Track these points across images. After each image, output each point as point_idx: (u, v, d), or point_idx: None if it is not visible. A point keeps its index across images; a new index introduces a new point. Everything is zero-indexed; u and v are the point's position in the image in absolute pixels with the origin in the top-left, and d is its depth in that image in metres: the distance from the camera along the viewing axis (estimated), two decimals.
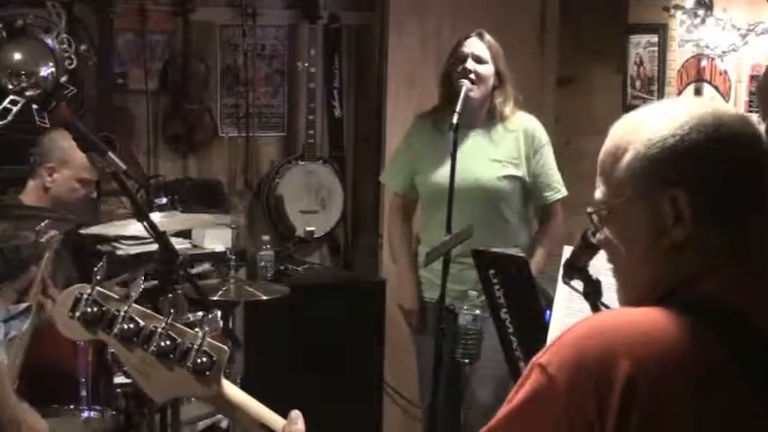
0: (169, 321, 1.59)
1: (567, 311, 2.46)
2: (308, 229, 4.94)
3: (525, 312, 2.73)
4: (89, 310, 1.59)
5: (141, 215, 3.00)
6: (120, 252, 4.30)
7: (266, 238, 4.76)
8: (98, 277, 1.61)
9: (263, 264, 4.68)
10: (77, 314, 1.59)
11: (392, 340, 4.80)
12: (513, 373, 2.72)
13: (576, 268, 2.04)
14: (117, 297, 1.61)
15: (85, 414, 3.24)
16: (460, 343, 3.58)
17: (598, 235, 1.46)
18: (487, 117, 3.88)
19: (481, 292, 3.08)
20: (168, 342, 1.57)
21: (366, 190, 5.12)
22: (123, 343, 1.58)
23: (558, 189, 3.93)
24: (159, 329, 1.58)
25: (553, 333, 2.46)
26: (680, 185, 1.34)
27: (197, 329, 1.60)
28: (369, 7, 5.01)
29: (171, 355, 1.57)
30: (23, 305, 2.99)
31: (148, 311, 1.61)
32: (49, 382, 3.17)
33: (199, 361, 1.57)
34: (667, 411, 1.26)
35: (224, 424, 3.66)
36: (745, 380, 1.30)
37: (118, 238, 4.31)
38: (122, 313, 1.59)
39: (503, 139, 3.89)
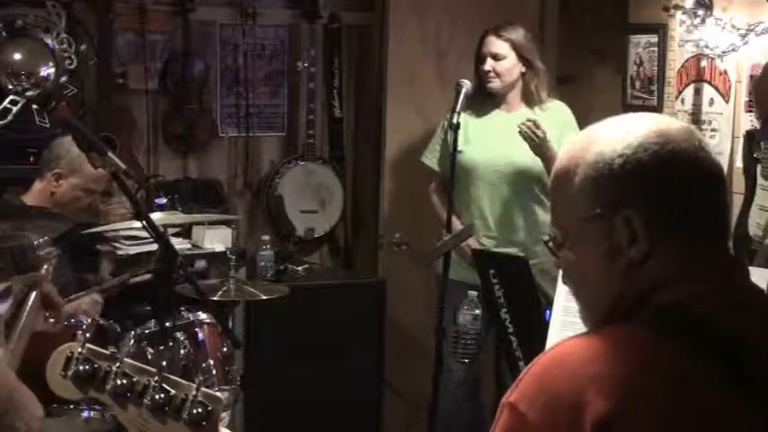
0: (162, 374, 1.57)
1: (567, 311, 2.46)
2: (308, 228, 4.94)
3: (525, 312, 2.73)
4: (81, 368, 1.58)
5: (141, 215, 3.00)
6: (120, 252, 4.30)
7: (266, 238, 4.76)
8: (87, 335, 1.61)
9: (263, 264, 4.68)
10: (69, 373, 1.58)
11: (392, 340, 4.80)
12: (512, 373, 2.72)
13: None
14: (108, 353, 1.59)
15: (85, 414, 3.24)
16: (460, 343, 3.58)
17: (555, 260, 1.46)
18: (523, 102, 4.12)
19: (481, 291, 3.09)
20: (162, 395, 1.55)
21: (366, 190, 5.12)
22: (117, 400, 1.57)
23: None
24: (152, 383, 1.56)
25: (553, 333, 2.46)
26: (631, 205, 1.35)
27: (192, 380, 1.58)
28: (369, 7, 5.00)
29: (165, 409, 1.55)
30: (3, 285, 2.98)
31: (141, 365, 1.59)
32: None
33: (194, 412, 1.54)
34: None
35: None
36: (717, 385, 1.29)
37: (118, 238, 4.32)
38: (114, 369, 1.57)
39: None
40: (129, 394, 1.57)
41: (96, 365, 1.58)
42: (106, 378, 1.58)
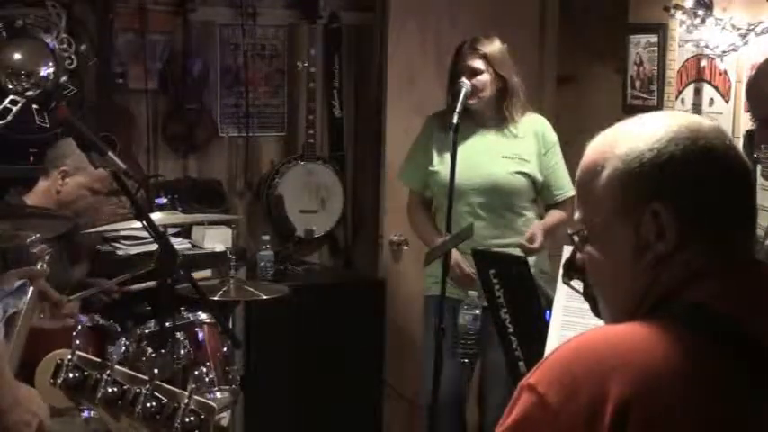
0: (154, 382, 1.53)
1: (567, 311, 2.46)
2: (308, 228, 4.94)
3: (525, 312, 2.73)
4: (71, 375, 1.54)
5: (141, 215, 3.00)
6: (120, 252, 4.30)
7: (266, 238, 4.76)
8: (77, 342, 1.58)
9: (263, 264, 4.68)
10: (59, 381, 1.54)
11: (392, 340, 4.80)
12: (512, 373, 2.72)
13: (576, 268, 2.04)
14: (99, 361, 1.55)
15: (85, 414, 3.23)
16: (460, 343, 3.59)
17: (580, 255, 1.45)
18: (498, 118, 4.00)
19: (482, 292, 3.08)
20: (154, 403, 1.51)
21: (366, 190, 5.12)
22: (108, 408, 1.53)
23: (566, 188, 3.98)
24: (144, 391, 1.52)
25: (553, 333, 2.46)
26: (660, 200, 1.34)
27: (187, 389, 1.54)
28: (369, 7, 5.00)
29: (157, 417, 1.51)
30: (19, 282, 2.98)
31: (132, 373, 1.56)
32: None
33: (186, 420, 1.50)
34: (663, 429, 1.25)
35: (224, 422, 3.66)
36: (739, 386, 1.29)
37: (118, 238, 4.32)
38: (105, 377, 1.54)
39: (514, 138, 3.99)
40: (120, 402, 1.53)
41: (86, 373, 1.54)
42: (96, 386, 1.54)
